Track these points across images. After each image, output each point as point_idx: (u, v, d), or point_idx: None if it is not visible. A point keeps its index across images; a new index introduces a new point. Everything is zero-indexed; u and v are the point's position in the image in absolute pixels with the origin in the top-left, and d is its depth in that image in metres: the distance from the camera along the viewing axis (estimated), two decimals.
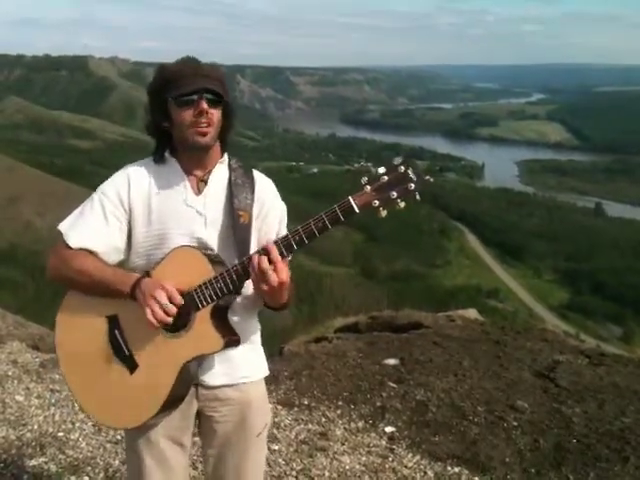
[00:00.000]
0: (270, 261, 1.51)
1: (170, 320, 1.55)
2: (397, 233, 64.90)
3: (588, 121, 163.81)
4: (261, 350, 1.88)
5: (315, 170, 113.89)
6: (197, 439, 1.96)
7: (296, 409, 3.87)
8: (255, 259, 1.52)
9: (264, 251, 1.53)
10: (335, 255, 60.04)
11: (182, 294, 1.59)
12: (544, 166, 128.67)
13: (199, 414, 1.79)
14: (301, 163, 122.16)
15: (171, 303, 1.54)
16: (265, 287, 1.53)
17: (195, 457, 3.01)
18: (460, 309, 6.95)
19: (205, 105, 1.59)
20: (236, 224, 1.67)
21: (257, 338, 1.86)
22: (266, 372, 1.87)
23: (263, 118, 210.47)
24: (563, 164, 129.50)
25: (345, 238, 64.03)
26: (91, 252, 1.65)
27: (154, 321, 1.53)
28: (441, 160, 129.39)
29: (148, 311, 1.53)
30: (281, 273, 1.52)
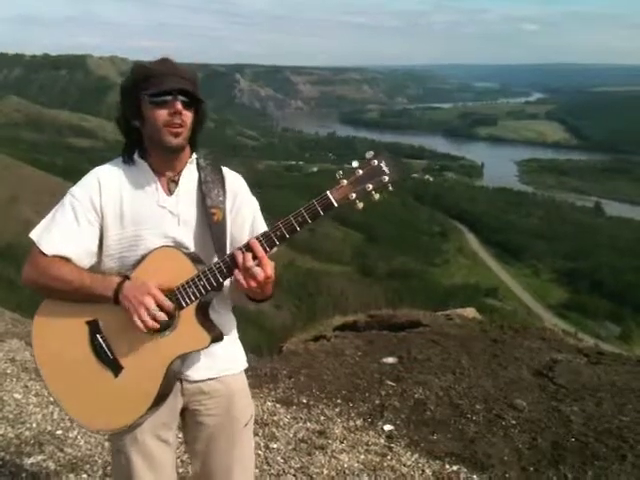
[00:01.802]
0: (254, 257, 1.53)
1: (156, 325, 1.56)
2: (396, 232, 64.93)
3: (587, 121, 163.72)
4: (239, 343, 1.91)
5: (314, 169, 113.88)
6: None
7: (295, 407, 3.87)
8: (240, 256, 1.53)
9: (248, 247, 1.55)
10: (334, 254, 60.06)
11: (165, 294, 1.59)
12: (543, 166, 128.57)
13: (183, 410, 1.80)
14: (300, 162, 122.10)
15: (160, 308, 1.55)
16: (253, 283, 1.54)
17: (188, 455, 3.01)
18: (459, 308, 6.97)
19: (180, 106, 1.60)
20: (211, 223, 1.68)
21: (234, 331, 1.88)
22: (245, 364, 1.90)
23: (262, 117, 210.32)
24: (562, 163, 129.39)
25: (345, 238, 64.04)
26: (66, 258, 1.63)
27: (141, 326, 1.54)
28: (440, 159, 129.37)
29: (136, 318, 1.54)
30: (267, 268, 1.54)
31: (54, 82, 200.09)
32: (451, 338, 5.20)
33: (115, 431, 1.73)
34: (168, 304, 1.57)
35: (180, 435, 1.96)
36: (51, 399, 3.82)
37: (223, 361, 1.80)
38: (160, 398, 1.65)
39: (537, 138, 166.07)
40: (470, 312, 6.63)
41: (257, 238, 1.55)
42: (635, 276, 54.10)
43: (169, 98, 1.59)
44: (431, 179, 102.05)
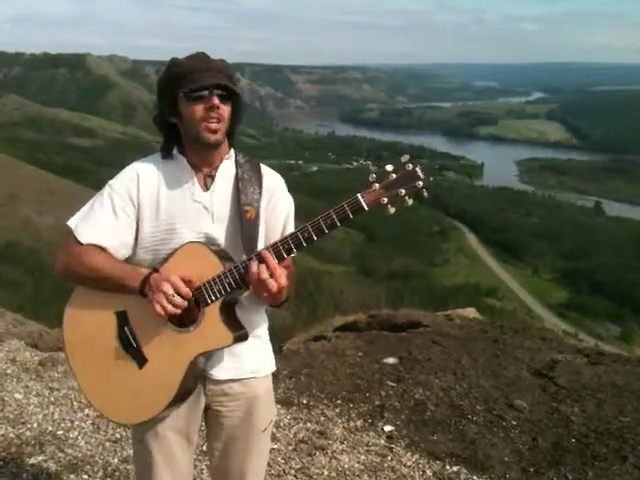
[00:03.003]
0: (268, 268, 1.52)
1: (176, 311, 1.56)
2: (396, 232, 64.97)
3: (587, 120, 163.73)
4: (269, 345, 1.88)
5: (314, 168, 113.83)
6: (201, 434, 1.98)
7: (295, 408, 3.87)
8: (254, 269, 1.52)
9: (260, 258, 1.54)
10: (334, 254, 60.10)
11: (191, 289, 1.59)
12: (543, 165, 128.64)
13: (206, 409, 1.81)
14: (300, 162, 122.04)
15: (178, 294, 1.55)
16: (264, 294, 1.55)
17: (194, 456, 3.01)
18: (459, 308, 6.95)
19: (216, 100, 1.60)
20: (243, 220, 1.67)
21: (264, 333, 1.86)
22: (273, 368, 1.88)
23: (262, 116, 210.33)
24: (562, 163, 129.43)
25: (345, 238, 64.04)
26: (101, 248, 1.65)
27: (161, 312, 1.55)
28: (440, 159, 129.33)
29: (156, 305, 1.55)
30: (280, 279, 1.53)
31: (54, 81, 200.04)
32: (451, 338, 5.19)
33: (135, 424, 1.75)
34: (184, 289, 1.56)
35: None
36: (52, 399, 3.83)
37: (249, 363, 1.78)
38: (182, 394, 1.66)
39: (537, 138, 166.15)
40: (470, 312, 6.62)
41: (282, 240, 1.54)
42: (635, 276, 54.13)
43: (205, 93, 1.59)
44: (431, 179, 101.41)
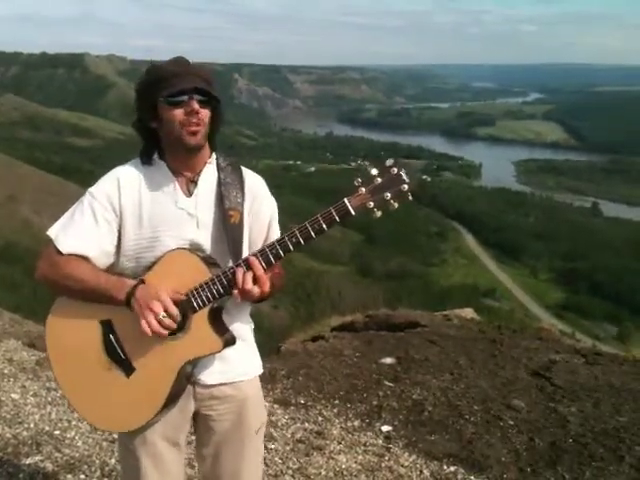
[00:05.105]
0: (254, 275, 1.54)
1: (165, 333, 1.55)
2: (394, 232, 64.99)
3: (585, 121, 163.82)
4: (255, 347, 1.88)
5: (312, 169, 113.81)
6: (193, 437, 1.95)
7: (293, 408, 3.87)
8: (240, 278, 1.54)
9: (247, 264, 1.55)
10: (332, 254, 60.10)
11: (178, 298, 1.58)
12: (541, 166, 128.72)
13: (196, 413, 1.79)
14: (298, 162, 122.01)
15: (167, 314, 1.55)
16: (247, 301, 1.60)
17: (192, 455, 3.01)
18: (457, 308, 6.96)
19: (196, 105, 1.59)
20: (227, 225, 1.66)
21: (250, 335, 1.86)
22: (260, 369, 1.87)
23: (260, 117, 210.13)
24: (560, 164, 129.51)
25: (343, 238, 64.04)
26: (82, 257, 1.63)
27: (149, 332, 1.54)
28: (438, 159, 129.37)
29: (143, 322, 1.53)
30: (264, 287, 1.56)
31: (52, 80, 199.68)
32: (449, 338, 5.20)
33: (124, 432, 1.73)
34: (175, 311, 1.55)
35: (193, 436, 1.94)
36: (49, 399, 3.82)
37: (237, 366, 1.77)
38: (170, 400, 1.65)
39: (535, 138, 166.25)
40: (468, 312, 6.63)
41: (270, 245, 1.56)
42: (632, 277, 54.25)
43: (185, 98, 1.58)
44: (429, 179, 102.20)
